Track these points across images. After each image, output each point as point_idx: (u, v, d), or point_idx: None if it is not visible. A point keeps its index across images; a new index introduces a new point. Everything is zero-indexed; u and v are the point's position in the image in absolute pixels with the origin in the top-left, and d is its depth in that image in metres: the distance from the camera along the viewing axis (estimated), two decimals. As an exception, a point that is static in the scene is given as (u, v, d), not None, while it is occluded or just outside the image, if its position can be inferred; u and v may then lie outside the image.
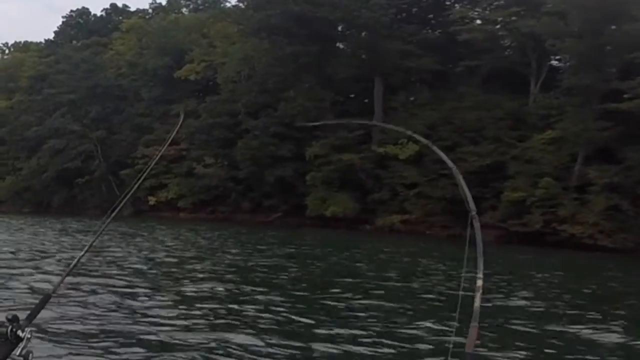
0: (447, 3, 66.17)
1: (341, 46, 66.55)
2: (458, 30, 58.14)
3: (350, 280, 22.03)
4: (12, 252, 27.27)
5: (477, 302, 3.21)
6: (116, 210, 4.72)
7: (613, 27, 48.60)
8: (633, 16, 46.98)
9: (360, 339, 12.68)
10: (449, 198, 53.06)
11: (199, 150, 70.16)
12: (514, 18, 55.32)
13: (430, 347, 12.23)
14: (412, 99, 61.71)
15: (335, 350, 11.76)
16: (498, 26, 59.14)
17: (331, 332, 13.32)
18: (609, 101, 46.70)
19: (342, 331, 13.30)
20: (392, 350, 11.96)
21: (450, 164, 5.35)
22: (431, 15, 67.34)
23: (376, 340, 12.69)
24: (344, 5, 59.76)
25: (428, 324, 14.22)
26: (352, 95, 65.52)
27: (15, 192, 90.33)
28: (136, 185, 5.60)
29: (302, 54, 61.80)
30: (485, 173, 51.34)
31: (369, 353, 11.70)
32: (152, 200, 73.26)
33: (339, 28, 63.74)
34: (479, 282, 3.36)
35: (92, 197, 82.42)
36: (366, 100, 63.47)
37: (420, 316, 15.39)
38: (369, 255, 33.67)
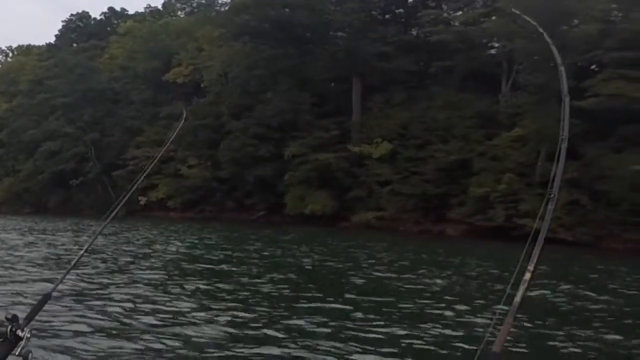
0: (431, 4, 67.42)
1: (320, 49, 67.89)
2: (429, 31, 59.59)
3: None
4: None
5: (518, 297, 2.93)
6: (112, 214, 4.81)
7: (564, 27, 50.01)
8: (585, 16, 48.65)
9: (388, 333, 12.92)
10: (420, 195, 55.05)
11: (185, 152, 71.93)
12: (482, 19, 56.63)
13: (460, 344, 12.31)
14: (388, 99, 62.95)
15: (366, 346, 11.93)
16: (472, 27, 60.39)
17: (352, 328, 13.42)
18: (573, 99, 48.04)
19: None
20: (424, 345, 12.21)
21: None
22: (412, 18, 68.55)
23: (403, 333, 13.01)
24: (318, 9, 61.40)
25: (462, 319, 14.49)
26: (331, 97, 66.69)
27: (15, 193, 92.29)
28: (132, 190, 5.71)
29: (281, 57, 63.43)
30: (454, 170, 53.08)
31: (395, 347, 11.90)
32: (143, 200, 74.92)
33: (316, 31, 64.88)
34: (527, 275, 3.00)
35: (87, 198, 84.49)
36: (345, 101, 64.72)
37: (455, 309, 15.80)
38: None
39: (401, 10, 71.32)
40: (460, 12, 63.82)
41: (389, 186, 57.28)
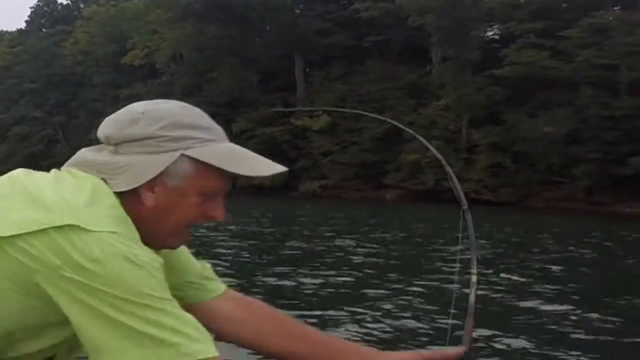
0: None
1: (261, 27, 70.78)
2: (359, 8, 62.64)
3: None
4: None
5: (472, 298, 2.93)
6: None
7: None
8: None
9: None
10: (359, 163, 58.43)
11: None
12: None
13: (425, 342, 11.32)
14: (328, 73, 65.94)
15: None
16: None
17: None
18: (492, 69, 51.45)
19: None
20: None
21: (438, 155, 3.99)
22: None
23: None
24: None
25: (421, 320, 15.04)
26: (276, 74, 69.57)
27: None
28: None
29: (225, 37, 66.39)
30: (388, 139, 56.20)
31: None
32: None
33: (257, 10, 67.50)
34: (474, 278, 3.05)
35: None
36: (290, 77, 67.71)
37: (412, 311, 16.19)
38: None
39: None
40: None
41: (330, 156, 60.67)
